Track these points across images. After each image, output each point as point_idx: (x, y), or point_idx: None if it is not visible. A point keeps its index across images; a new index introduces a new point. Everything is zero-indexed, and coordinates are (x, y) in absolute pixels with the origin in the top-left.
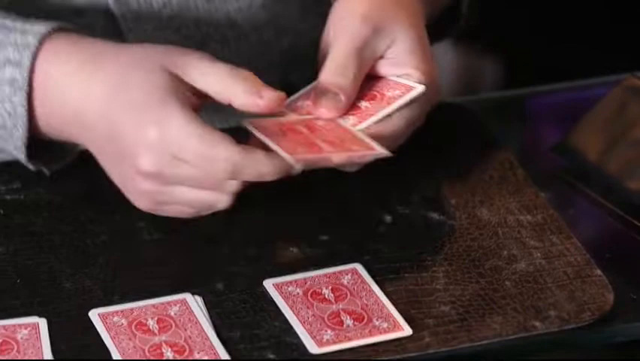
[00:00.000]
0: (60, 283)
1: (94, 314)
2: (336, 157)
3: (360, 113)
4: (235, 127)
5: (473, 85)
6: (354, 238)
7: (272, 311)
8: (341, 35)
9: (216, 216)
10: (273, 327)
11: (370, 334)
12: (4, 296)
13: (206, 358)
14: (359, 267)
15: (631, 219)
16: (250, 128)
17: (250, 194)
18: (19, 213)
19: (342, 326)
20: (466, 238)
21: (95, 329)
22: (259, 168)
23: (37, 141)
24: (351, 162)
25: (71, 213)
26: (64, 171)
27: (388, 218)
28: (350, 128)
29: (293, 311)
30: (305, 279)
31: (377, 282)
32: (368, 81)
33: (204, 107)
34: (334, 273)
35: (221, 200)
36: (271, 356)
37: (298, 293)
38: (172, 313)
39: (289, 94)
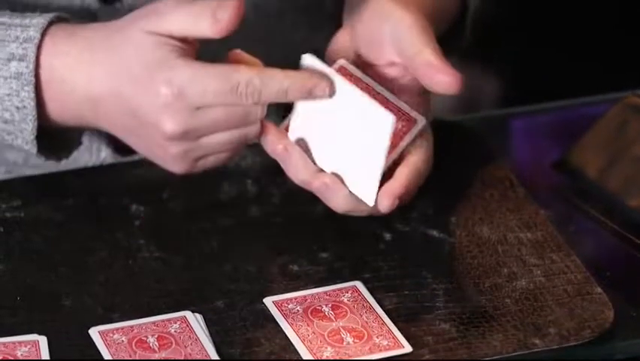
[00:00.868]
0: (60, 300)
1: (94, 332)
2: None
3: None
4: None
5: (473, 103)
6: (354, 256)
7: (272, 328)
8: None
9: (216, 234)
10: (273, 344)
11: (370, 351)
12: (4, 314)
13: None
14: (359, 284)
15: (631, 236)
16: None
17: (249, 213)
18: (19, 230)
19: (342, 343)
20: (466, 255)
21: (95, 346)
22: (281, 82)
23: (45, 134)
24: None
25: (71, 231)
26: (64, 189)
27: (388, 235)
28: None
29: (293, 329)
30: (305, 296)
31: (377, 299)
32: None
33: None
34: (334, 290)
35: (252, 130)
36: None
37: (298, 311)
38: (172, 331)
39: (285, 107)
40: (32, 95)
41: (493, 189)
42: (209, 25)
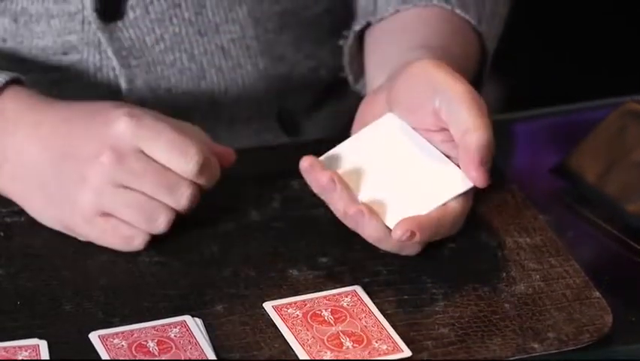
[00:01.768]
0: (60, 305)
1: (94, 336)
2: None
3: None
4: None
5: None
6: (353, 261)
7: (271, 333)
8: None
9: (216, 238)
10: (272, 348)
11: (370, 356)
12: (5, 318)
13: None
14: (358, 289)
15: (630, 241)
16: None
17: (250, 217)
18: (20, 235)
19: (342, 347)
20: (466, 260)
21: (96, 351)
22: (216, 168)
23: None
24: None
25: (71, 236)
26: None
27: None
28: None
29: (292, 333)
30: (304, 301)
31: (376, 304)
32: None
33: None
34: (334, 295)
35: (162, 219)
36: None
37: (298, 315)
38: (172, 335)
39: (286, 118)
40: None
41: (492, 195)
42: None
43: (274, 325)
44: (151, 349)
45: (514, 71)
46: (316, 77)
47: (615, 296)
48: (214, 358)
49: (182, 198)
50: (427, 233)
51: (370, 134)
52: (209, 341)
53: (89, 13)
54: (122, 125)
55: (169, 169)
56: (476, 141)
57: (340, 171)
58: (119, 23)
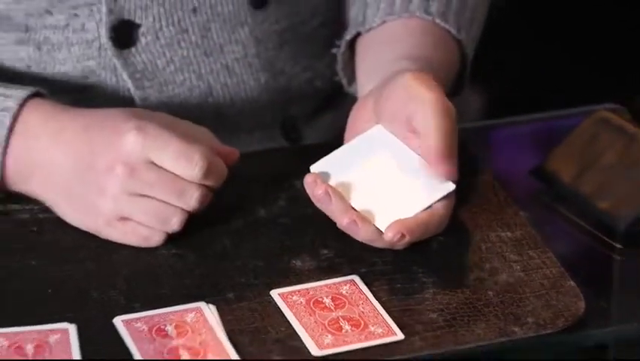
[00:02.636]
0: (87, 292)
1: (118, 321)
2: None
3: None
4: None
5: (458, 115)
6: (352, 253)
7: (278, 318)
8: (431, 119)
9: (228, 233)
10: (278, 332)
11: (366, 338)
12: (38, 305)
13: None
14: (356, 278)
15: (601, 235)
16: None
17: (257, 214)
18: (51, 230)
19: (341, 331)
20: (453, 252)
21: (119, 334)
22: (223, 168)
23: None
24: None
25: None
26: None
27: None
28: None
29: (297, 318)
30: (307, 289)
31: (373, 292)
32: None
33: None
34: (334, 284)
35: (175, 220)
36: (277, 358)
37: (301, 302)
38: (188, 320)
39: (288, 127)
40: (1, 157)
41: (477, 193)
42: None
43: (280, 311)
44: (169, 332)
45: (496, 83)
46: (313, 87)
47: (588, 285)
48: (226, 340)
49: (191, 201)
50: (415, 234)
51: (360, 144)
52: (221, 326)
53: (105, 41)
54: (131, 140)
55: (177, 176)
56: (433, 143)
57: (332, 179)
58: (132, 49)
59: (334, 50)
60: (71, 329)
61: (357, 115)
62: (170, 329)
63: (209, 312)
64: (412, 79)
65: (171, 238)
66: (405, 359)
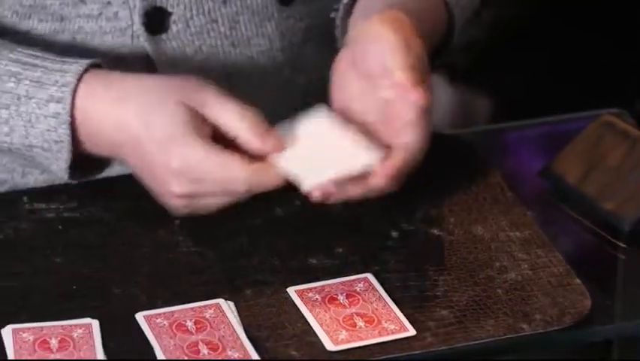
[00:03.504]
0: (110, 289)
1: (139, 316)
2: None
3: None
4: None
5: (468, 119)
6: (365, 251)
7: (294, 314)
8: (387, 50)
9: (246, 232)
10: (295, 328)
11: (380, 334)
12: (62, 300)
13: (236, 355)
14: (370, 276)
15: (605, 235)
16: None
17: (274, 213)
18: (76, 228)
19: (355, 327)
20: (463, 251)
21: (141, 329)
22: (269, 182)
23: (80, 158)
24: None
25: (120, 229)
26: (114, 192)
27: (395, 234)
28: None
29: (312, 314)
30: (323, 286)
31: (385, 289)
32: None
33: None
34: (348, 281)
35: (241, 196)
36: (293, 353)
37: (317, 299)
38: (207, 316)
39: None
40: (68, 132)
41: (487, 194)
42: (255, 141)
43: (296, 307)
44: (189, 327)
45: (505, 87)
46: None
47: (593, 283)
48: (244, 335)
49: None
50: (402, 174)
51: (304, 121)
52: (239, 321)
53: (138, 27)
54: (174, 181)
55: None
56: (401, 74)
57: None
58: (164, 36)
59: (332, 15)
60: (94, 324)
61: (336, 70)
62: (190, 324)
63: (228, 308)
64: (379, 22)
65: (191, 236)
66: (417, 354)
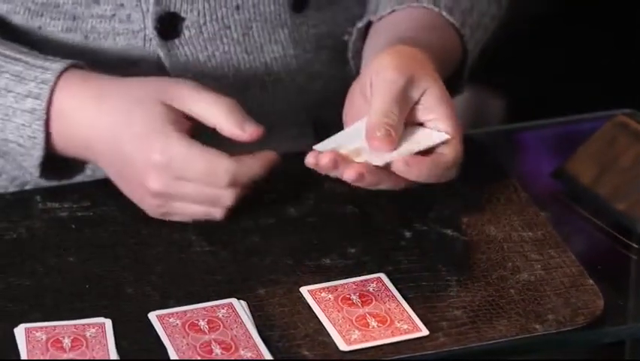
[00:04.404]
0: (123, 288)
1: (152, 316)
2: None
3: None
4: None
5: (481, 119)
6: (378, 251)
7: (307, 314)
8: (381, 86)
9: (259, 231)
10: (307, 327)
11: (392, 334)
12: (75, 299)
13: (249, 354)
14: (383, 276)
15: (618, 235)
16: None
17: (287, 213)
18: (89, 227)
19: (368, 327)
20: (476, 251)
21: (154, 328)
22: (251, 172)
23: (54, 158)
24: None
25: (133, 228)
26: None
27: (408, 234)
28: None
29: (325, 314)
30: (336, 286)
31: (398, 289)
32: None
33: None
34: (361, 281)
35: (217, 212)
36: (306, 353)
37: (330, 298)
38: (220, 315)
39: (322, 131)
40: (42, 128)
41: (500, 194)
42: (232, 125)
43: (309, 307)
44: (202, 327)
45: (518, 88)
46: (346, 91)
47: (606, 283)
48: (257, 335)
49: (226, 203)
50: (416, 177)
51: (356, 127)
52: (252, 321)
53: (150, 31)
54: (156, 168)
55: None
56: (374, 116)
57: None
58: (176, 41)
59: (345, 38)
60: (107, 323)
61: (348, 99)
62: (202, 324)
63: (241, 308)
64: (380, 59)
65: (204, 235)
66: (430, 354)
